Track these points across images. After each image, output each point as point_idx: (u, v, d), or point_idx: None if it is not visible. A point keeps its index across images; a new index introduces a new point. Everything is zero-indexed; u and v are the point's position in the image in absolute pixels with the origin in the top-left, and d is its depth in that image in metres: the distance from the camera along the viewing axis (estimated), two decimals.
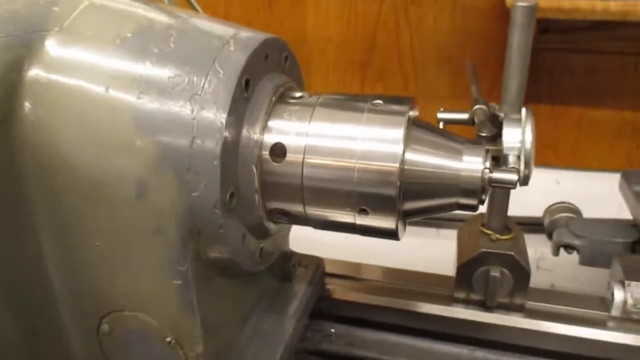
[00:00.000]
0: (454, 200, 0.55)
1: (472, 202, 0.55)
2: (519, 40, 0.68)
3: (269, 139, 0.56)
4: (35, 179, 0.53)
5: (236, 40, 0.55)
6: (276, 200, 0.58)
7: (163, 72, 0.52)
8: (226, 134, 0.51)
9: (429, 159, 0.54)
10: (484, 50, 1.38)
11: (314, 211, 0.57)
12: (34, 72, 0.52)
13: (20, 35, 0.52)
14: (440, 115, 0.77)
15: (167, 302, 0.56)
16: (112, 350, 0.62)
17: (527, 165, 0.63)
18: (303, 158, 0.55)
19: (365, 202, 0.54)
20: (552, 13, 1.07)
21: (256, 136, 0.55)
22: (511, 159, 0.63)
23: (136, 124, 0.51)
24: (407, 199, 0.55)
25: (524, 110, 0.65)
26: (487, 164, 0.55)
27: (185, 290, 0.55)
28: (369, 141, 0.54)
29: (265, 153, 0.56)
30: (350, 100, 0.58)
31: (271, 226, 0.61)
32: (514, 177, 0.55)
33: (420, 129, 0.56)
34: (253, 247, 0.60)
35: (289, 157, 0.55)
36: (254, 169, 0.55)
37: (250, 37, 0.56)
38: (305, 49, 1.44)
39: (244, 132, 0.54)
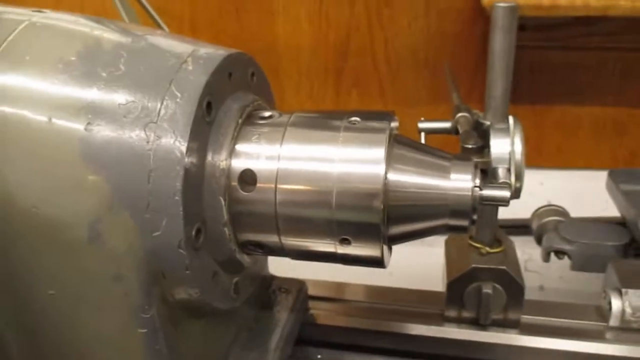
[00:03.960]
0: (443, 222, 0.51)
1: (462, 223, 0.51)
2: (501, 44, 0.64)
3: (237, 165, 0.51)
4: None
5: (195, 58, 0.50)
6: (248, 231, 0.52)
7: (113, 99, 0.46)
8: (187, 164, 0.45)
9: (414, 179, 0.50)
10: (460, 52, 1.35)
11: (291, 241, 0.52)
12: None
13: None
14: (421, 125, 0.73)
15: (135, 352, 0.51)
16: None
17: (518, 177, 0.59)
18: (275, 184, 0.50)
19: (346, 230, 0.49)
20: (530, 11, 1.03)
21: (222, 163, 0.50)
22: (501, 172, 0.59)
23: (84, 158, 0.45)
24: (392, 224, 0.50)
25: (511, 118, 0.61)
26: (477, 181, 0.50)
27: (153, 339, 0.50)
28: (347, 162, 0.49)
29: (234, 181, 0.50)
30: (325, 118, 0.53)
31: (245, 259, 0.56)
32: (506, 194, 0.51)
33: (403, 145, 0.51)
34: (226, 284, 0.55)
35: (260, 184, 0.50)
36: (222, 200, 0.50)
37: (211, 53, 0.51)
38: (275, 58, 1.38)
39: (209, 159, 0.49)
